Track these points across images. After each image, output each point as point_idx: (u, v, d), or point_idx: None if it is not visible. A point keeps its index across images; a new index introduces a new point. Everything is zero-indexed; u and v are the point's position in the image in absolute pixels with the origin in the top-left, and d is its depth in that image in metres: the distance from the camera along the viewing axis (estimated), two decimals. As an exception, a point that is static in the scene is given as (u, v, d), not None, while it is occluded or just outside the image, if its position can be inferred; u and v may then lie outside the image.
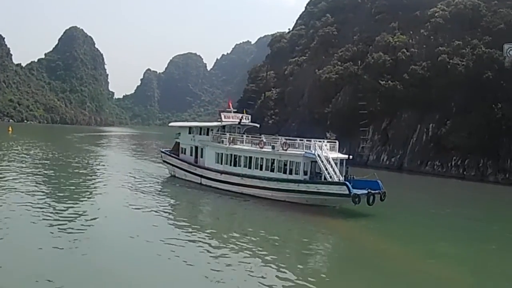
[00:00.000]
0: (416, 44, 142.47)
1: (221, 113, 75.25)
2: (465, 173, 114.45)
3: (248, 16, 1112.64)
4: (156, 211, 50.62)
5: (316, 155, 58.03)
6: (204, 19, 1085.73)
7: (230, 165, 67.28)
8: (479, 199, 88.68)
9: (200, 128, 76.16)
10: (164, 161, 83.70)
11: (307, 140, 61.71)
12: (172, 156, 79.71)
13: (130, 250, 36.55)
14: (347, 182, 55.48)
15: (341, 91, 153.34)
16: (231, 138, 68.86)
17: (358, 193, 54.31)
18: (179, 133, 79.79)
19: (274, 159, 62.16)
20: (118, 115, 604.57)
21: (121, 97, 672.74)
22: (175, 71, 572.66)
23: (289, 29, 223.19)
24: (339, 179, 57.04)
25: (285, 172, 60.77)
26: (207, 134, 73.27)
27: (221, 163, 68.51)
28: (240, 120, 74.64)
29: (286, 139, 63.45)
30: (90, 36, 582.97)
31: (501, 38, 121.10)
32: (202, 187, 69.40)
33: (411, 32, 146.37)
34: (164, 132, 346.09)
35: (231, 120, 74.60)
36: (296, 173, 59.72)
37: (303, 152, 59.57)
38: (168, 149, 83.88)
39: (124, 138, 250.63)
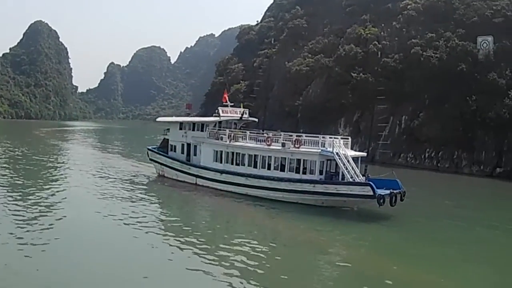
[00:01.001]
0: (388, 36, 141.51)
1: (219, 108, 68.56)
2: (439, 165, 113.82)
3: (213, 9, 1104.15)
4: (146, 219, 45.20)
5: (335, 153, 53.71)
6: (168, 11, 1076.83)
7: (232, 164, 62.26)
8: (466, 191, 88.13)
9: (194, 123, 70.00)
10: (151, 159, 76.27)
11: (322, 137, 57.60)
12: (161, 154, 73.28)
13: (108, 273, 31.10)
14: (371, 183, 51.71)
15: (312, 84, 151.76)
16: (232, 135, 63.88)
17: (382, 193, 50.87)
18: (168, 129, 74.02)
19: (284, 158, 57.47)
20: (82, 109, 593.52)
21: (85, 91, 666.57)
22: (139, 64, 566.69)
23: (257, 21, 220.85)
24: (360, 179, 53.23)
25: (298, 172, 56.28)
26: (202, 130, 67.63)
27: (221, 162, 63.38)
28: (242, 115, 69.38)
29: (297, 136, 59.26)
30: (54, 30, 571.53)
31: (474, 31, 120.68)
32: (197, 188, 63.91)
33: (383, 25, 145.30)
34: (127, 126, 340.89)
35: (229, 115, 68.86)
36: (311, 173, 55.49)
37: (319, 150, 55.10)
38: (155, 146, 77.45)
39: (93, 133, 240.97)
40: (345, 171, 52.98)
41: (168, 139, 73.55)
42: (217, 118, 67.82)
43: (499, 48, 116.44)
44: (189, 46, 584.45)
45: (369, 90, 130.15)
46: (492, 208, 68.58)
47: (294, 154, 56.85)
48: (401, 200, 52.77)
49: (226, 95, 72.97)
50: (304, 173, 56.02)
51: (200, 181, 65.21)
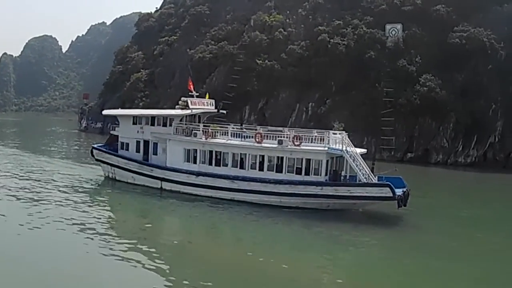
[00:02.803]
0: (294, 23, 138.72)
1: (188, 99, 58.00)
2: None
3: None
4: (95, 234, 36.74)
5: (344, 151, 46.98)
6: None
7: (210, 164, 52.83)
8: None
9: (153, 117, 59.00)
10: (98, 159, 63.68)
11: (317, 132, 50.73)
12: (112, 154, 61.21)
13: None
14: (390, 183, 45.60)
15: (215, 71, 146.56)
16: (209, 131, 54.27)
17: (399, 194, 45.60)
18: (117, 124, 62.64)
19: (282, 157, 49.51)
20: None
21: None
22: (31, 54, 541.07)
23: (156, 8, 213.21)
24: (372, 180, 46.69)
25: (298, 173, 48.58)
26: (165, 125, 57.03)
27: (195, 163, 53.67)
28: (219, 109, 61.62)
29: (296, 132, 51.29)
30: None
31: (383, 18, 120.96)
32: (163, 194, 53.89)
33: (288, 12, 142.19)
34: (21, 118, 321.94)
35: (200, 107, 58.90)
36: (316, 174, 48.07)
37: (326, 148, 48.03)
38: (101, 144, 65.41)
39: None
40: (359, 171, 46.69)
41: (116, 136, 61.92)
42: (187, 111, 57.17)
43: (408, 35, 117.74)
44: (80, 35, 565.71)
45: (275, 78, 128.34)
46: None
47: (294, 153, 49.01)
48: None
49: (191, 84, 61.88)
50: (307, 174, 48.38)
51: (167, 185, 55.03)
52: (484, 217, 53.76)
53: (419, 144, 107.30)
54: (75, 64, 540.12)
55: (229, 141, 52.98)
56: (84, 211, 44.25)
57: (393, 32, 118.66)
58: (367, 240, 41.03)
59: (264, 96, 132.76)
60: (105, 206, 49.55)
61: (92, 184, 59.78)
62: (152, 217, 46.56)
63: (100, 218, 42.59)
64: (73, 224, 39.09)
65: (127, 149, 59.89)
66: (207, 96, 63.22)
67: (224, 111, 64.60)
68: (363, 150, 51.73)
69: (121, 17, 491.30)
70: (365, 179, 46.51)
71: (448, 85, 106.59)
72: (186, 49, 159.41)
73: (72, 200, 48.44)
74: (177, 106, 59.49)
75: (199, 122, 58.64)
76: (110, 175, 61.74)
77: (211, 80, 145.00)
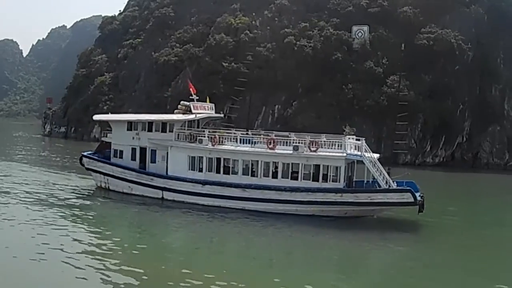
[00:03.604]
0: (259, 25, 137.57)
1: (190, 104, 53.97)
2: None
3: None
4: (92, 249, 33.16)
5: (364, 156, 45.22)
6: (20, 2, 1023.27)
7: (218, 172, 49.34)
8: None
9: (150, 123, 54.45)
10: (88, 168, 58.48)
11: (326, 137, 47.96)
12: (104, 162, 56.37)
13: None
14: (411, 188, 44.11)
15: (181, 74, 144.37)
16: (216, 137, 50.36)
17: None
18: (109, 130, 58.60)
19: (297, 164, 46.73)
20: None
21: None
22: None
23: (120, 10, 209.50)
24: (392, 185, 45.21)
25: (315, 180, 46.01)
26: (166, 131, 52.94)
27: (201, 171, 50.18)
28: (225, 114, 57.63)
29: (311, 137, 47.88)
30: None
31: (349, 20, 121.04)
32: (165, 204, 49.87)
33: (254, 14, 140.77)
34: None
35: (203, 111, 55.18)
36: (334, 180, 45.64)
37: (345, 154, 45.61)
38: (91, 152, 60.17)
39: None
40: (379, 177, 45.08)
41: (108, 143, 57.47)
42: (190, 116, 53.05)
43: (375, 37, 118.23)
44: (41, 39, 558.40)
45: (240, 80, 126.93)
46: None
47: (310, 159, 46.32)
48: None
49: (192, 87, 57.39)
50: (324, 180, 46.03)
51: (169, 195, 51.10)
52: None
53: (387, 145, 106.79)
54: (36, 68, 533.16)
55: (238, 148, 49.58)
56: (74, 227, 39.41)
57: (360, 34, 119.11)
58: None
59: (229, 98, 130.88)
60: (97, 220, 44.07)
61: (82, 195, 53.53)
62: (151, 233, 41.01)
63: (92, 235, 37.64)
64: (60, 245, 33.49)
65: (121, 157, 55.39)
66: (207, 99, 58.84)
67: (221, 115, 63.08)
68: (377, 155, 48.97)
69: (81, 20, 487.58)
70: (385, 185, 45.08)
71: (416, 86, 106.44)
72: (150, 52, 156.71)
73: (59, 215, 42.98)
74: (176, 111, 55.97)
75: (197, 127, 54.88)
76: (103, 185, 56.81)
77: (177, 83, 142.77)
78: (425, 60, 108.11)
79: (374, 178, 45.92)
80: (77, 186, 58.19)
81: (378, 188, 45.48)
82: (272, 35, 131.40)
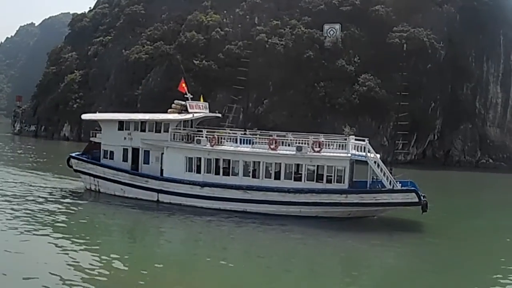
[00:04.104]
0: (231, 23, 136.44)
1: (187, 103, 51.58)
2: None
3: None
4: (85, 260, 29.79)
5: (368, 157, 44.58)
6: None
7: (217, 174, 47.60)
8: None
9: (143, 122, 51.90)
10: (77, 170, 55.34)
11: (324, 137, 46.85)
12: (95, 163, 53.44)
13: None
14: (415, 189, 44.00)
15: (151, 72, 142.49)
16: (216, 137, 48.34)
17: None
18: (99, 130, 55.19)
19: (300, 165, 45.72)
20: None
21: None
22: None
23: (90, 7, 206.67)
24: (395, 185, 44.70)
25: (320, 181, 45.04)
26: (161, 131, 50.45)
27: (199, 172, 48.09)
28: (223, 113, 55.25)
29: (314, 138, 46.55)
30: None
31: (321, 19, 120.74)
32: (160, 207, 47.56)
33: (225, 11, 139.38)
34: None
35: (199, 110, 52.88)
36: (339, 181, 44.76)
37: (349, 155, 44.81)
38: (78, 152, 57.12)
39: None
40: (384, 177, 44.53)
41: (97, 143, 54.57)
42: (187, 116, 50.84)
43: (347, 35, 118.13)
44: (9, 36, 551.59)
45: (212, 78, 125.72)
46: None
47: (314, 160, 45.27)
48: None
49: (184, 85, 53.84)
50: (329, 181, 44.96)
51: (165, 198, 48.87)
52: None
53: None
54: (4, 66, 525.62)
55: (239, 148, 47.80)
56: (61, 234, 35.98)
57: (332, 32, 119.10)
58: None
59: (200, 96, 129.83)
60: (87, 226, 40.59)
61: (70, 199, 49.87)
62: (145, 239, 39.35)
63: (81, 243, 34.27)
64: (45, 256, 30.88)
65: (112, 158, 52.70)
66: (201, 98, 56.81)
67: (219, 114, 60.60)
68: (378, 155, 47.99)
69: (49, 17, 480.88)
70: (389, 186, 44.49)
71: (387, 85, 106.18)
72: (121, 49, 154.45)
73: (44, 221, 39.62)
74: (170, 110, 53.08)
75: (191, 127, 52.06)
76: (93, 188, 53.94)
77: (147, 81, 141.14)
78: (397, 58, 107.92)
79: (373, 178, 45.63)
80: (63, 189, 54.75)
81: (382, 188, 44.92)
82: (243, 33, 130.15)
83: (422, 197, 43.54)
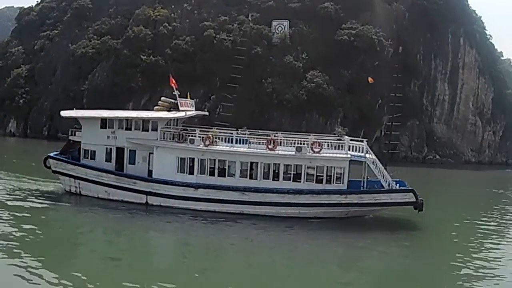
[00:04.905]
0: (179, 18, 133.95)
1: (178, 99, 48.20)
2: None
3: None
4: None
5: (366, 157, 43.98)
6: None
7: (212, 175, 45.05)
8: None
9: (128, 120, 48.59)
10: (56, 171, 50.64)
11: (314, 136, 46.08)
12: (75, 164, 49.18)
13: None
14: (413, 188, 43.80)
15: (98, 67, 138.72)
16: (210, 136, 46.03)
17: None
18: (78, 128, 51.16)
19: (300, 165, 44.30)
20: None
21: None
22: None
23: (37, 1, 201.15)
24: (393, 185, 44.42)
25: (319, 182, 43.94)
26: (148, 130, 47.32)
27: (192, 173, 45.38)
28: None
29: (314, 138, 45.79)
30: None
31: (270, 15, 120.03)
32: (150, 210, 44.32)
33: (173, 6, 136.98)
34: None
35: (189, 109, 50.02)
36: (338, 182, 43.90)
37: (349, 155, 44.14)
38: (56, 152, 51.97)
39: None
40: (382, 178, 44.28)
41: (76, 142, 50.63)
42: (179, 114, 48.24)
43: (295, 32, 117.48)
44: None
45: (159, 73, 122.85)
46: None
47: (314, 161, 44.09)
48: None
49: (174, 81, 49.97)
50: (328, 182, 43.95)
51: (154, 200, 45.71)
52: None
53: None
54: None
55: (235, 149, 45.73)
56: (37, 243, 32.54)
57: (280, 29, 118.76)
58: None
59: (147, 92, 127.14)
60: (67, 233, 36.98)
61: (47, 203, 45.15)
62: (134, 244, 35.61)
63: (61, 253, 31.03)
64: (19, 269, 26.61)
65: (93, 158, 48.94)
66: (188, 96, 53.46)
67: (207, 113, 58.97)
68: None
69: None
70: (388, 186, 44.33)
71: (335, 81, 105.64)
72: (67, 44, 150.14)
73: (18, 229, 35.02)
74: (156, 108, 50.13)
75: (176, 125, 49.46)
76: (73, 190, 49.71)
77: (94, 76, 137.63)
78: (345, 55, 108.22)
79: (367, 178, 45.53)
80: (38, 191, 49.85)
81: (379, 188, 44.79)
82: (191, 28, 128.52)
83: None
